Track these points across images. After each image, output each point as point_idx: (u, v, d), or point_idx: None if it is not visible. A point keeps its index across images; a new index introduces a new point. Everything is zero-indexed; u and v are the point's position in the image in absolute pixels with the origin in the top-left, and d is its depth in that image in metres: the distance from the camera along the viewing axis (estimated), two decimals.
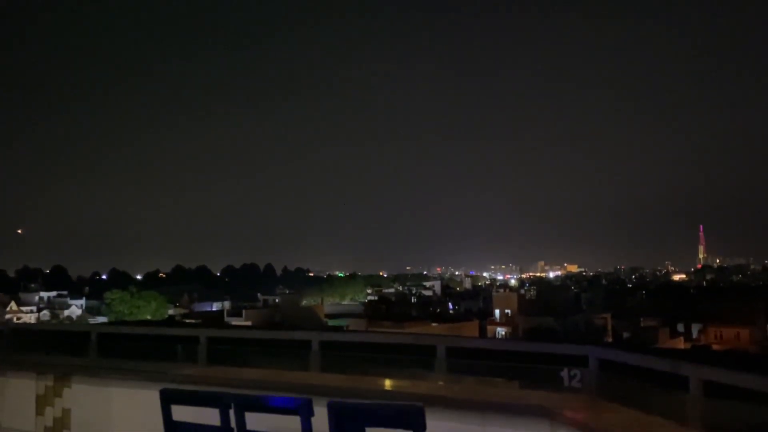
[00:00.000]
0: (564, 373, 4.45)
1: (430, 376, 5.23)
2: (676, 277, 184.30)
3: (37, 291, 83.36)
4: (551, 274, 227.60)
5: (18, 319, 60.02)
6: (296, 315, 54.01)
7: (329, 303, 77.84)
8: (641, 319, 60.36)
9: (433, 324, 51.69)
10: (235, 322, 50.25)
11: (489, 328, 57.39)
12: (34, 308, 71.66)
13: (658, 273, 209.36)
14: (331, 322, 51.97)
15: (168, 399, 3.86)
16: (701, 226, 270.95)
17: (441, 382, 5.03)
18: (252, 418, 3.60)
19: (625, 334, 53.82)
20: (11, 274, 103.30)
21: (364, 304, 79.46)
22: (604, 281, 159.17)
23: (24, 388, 6.67)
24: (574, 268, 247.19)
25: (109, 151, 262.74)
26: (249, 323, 48.22)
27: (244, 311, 57.96)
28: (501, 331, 56.72)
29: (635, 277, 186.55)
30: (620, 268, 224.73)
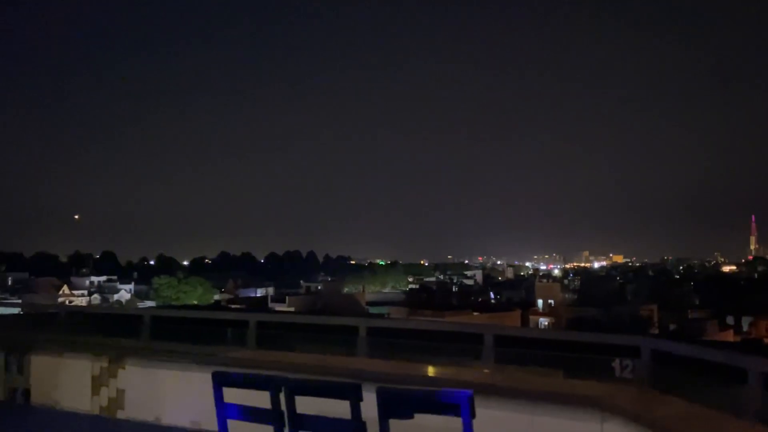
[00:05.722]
0: (616, 364, 4.38)
1: (476, 364, 5.21)
2: (726, 269, 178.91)
3: (87, 276, 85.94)
4: (596, 265, 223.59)
5: (70, 302, 62.04)
6: (338, 302, 54.47)
7: (370, 291, 78.16)
8: (689, 311, 58.94)
9: (475, 313, 51.51)
10: (278, 308, 50.99)
11: (531, 318, 56.80)
12: (85, 292, 73.94)
13: (706, 264, 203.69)
14: (372, 310, 52.29)
15: (220, 381, 3.94)
16: (753, 216, 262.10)
17: (487, 371, 5.01)
18: (302, 402, 3.65)
19: (672, 326, 52.67)
20: (63, 259, 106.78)
21: (405, 292, 79.55)
22: (650, 272, 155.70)
23: (80, 369, 6.90)
24: (619, 259, 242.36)
25: (158, 140, 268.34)
26: (292, 309, 48.86)
27: (287, 297, 58.81)
28: (543, 321, 56.08)
29: (683, 268, 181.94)
30: (667, 258, 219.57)
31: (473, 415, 3.19)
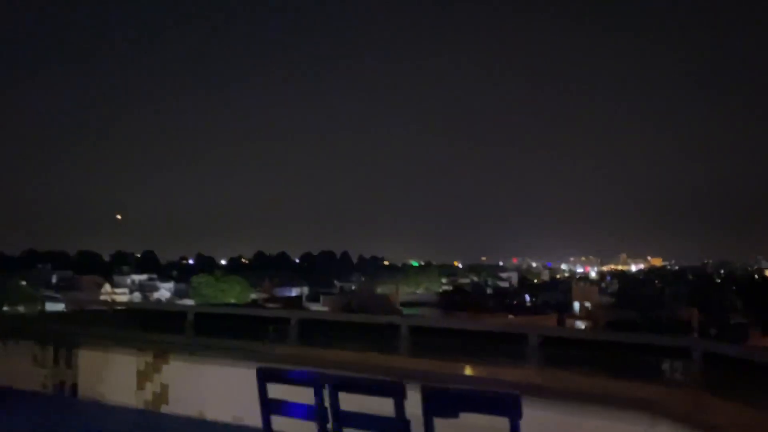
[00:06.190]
0: (666, 366, 4.29)
1: (519, 365, 5.16)
2: None
3: (129, 274, 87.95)
4: (633, 268, 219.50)
5: (112, 300, 63.37)
6: (371, 302, 54.60)
7: (404, 292, 78.10)
8: (730, 316, 57.50)
9: (510, 316, 51.08)
10: (313, 307, 51.39)
11: (567, 321, 56.06)
12: (127, 290, 75.54)
13: (749, 268, 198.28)
14: (405, 311, 52.20)
15: (264, 377, 3.98)
16: None
17: (530, 371, 4.96)
18: (345, 399, 3.66)
19: (713, 331, 51.47)
20: (106, 257, 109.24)
21: (438, 294, 79.26)
22: (689, 276, 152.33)
23: (126, 364, 7.05)
24: (658, 262, 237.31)
25: (197, 141, 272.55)
26: (326, 309, 49.21)
27: (321, 297, 59.25)
28: (580, 324, 55.32)
29: (723, 272, 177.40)
30: (707, 262, 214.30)
31: (520, 415, 3.16)
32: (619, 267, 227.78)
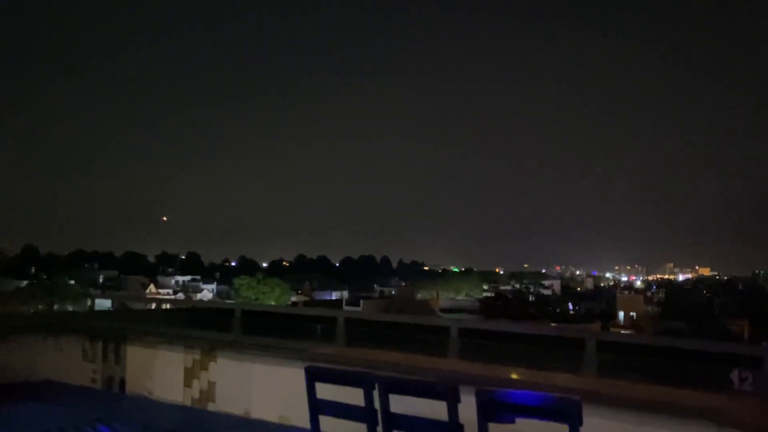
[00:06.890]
0: (734, 375, 4.07)
1: (574, 370, 5.00)
2: None
3: (173, 275, 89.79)
4: (680, 277, 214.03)
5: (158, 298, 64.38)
6: (412, 307, 54.37)
7: (444, 298, 77.58)
8: None
9: (553, 324, 50.23)
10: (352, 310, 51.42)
11: (612, 331, 54.83)
12: (171, 291, 76.98)
13: None
14: (446, 317, 51.74)
15: (313, 376, 3.91)
16: None
17: (588, 377, 4.79)
18: (394, 401, 3.57)
19: (764, 344, 49.72)
20: (151, 259, 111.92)
21: (479, 300, 78.53)
22: (740, 286, 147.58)
23: (174, 361, 7.11)
24: (706, 272, 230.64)
25: (238, 146, 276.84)
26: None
27: (361, 301, 59.23)
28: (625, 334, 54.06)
29: None
30: (759, 272, 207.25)
31: (580, 422, 3.03)
32: (666, 276, 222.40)
